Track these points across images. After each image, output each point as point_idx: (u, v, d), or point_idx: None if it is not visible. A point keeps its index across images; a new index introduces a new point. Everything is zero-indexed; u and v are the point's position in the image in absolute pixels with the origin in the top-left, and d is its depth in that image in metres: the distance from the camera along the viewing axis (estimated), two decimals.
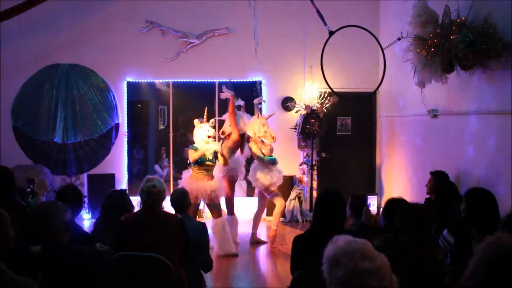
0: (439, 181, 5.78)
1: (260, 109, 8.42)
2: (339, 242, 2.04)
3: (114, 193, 4.59)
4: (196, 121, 7.38)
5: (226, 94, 7.99)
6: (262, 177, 7.55)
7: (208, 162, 7.14)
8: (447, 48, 5.40)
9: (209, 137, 7.18)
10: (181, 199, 4.66)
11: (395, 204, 4.02)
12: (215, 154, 7.25)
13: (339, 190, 3.75)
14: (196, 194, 6.96)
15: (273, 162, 7.62)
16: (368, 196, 4.59)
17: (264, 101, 8.76)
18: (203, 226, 4.63)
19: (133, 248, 3.78)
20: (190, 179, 7.17)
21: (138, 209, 4.16)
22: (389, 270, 2.01)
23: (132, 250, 3.78)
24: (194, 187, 6.93)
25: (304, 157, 9.70)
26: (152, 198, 3.92)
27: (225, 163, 7.60)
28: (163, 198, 4.03)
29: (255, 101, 8.44)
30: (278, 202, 7.66)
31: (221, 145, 7.64)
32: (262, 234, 8.21)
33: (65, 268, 2.92)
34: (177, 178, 10.28)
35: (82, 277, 2.91)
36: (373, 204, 4.51)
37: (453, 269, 3.85)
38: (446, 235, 3.98)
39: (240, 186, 9.66)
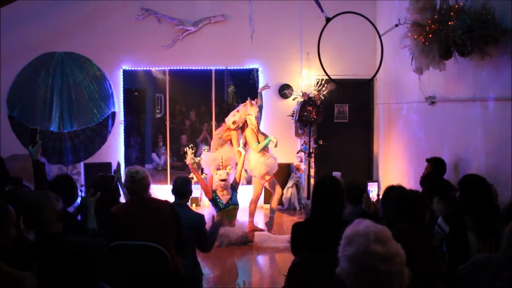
0: (432, 172, 5.75)
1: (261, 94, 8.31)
2: (358, 224, 2.08)
3: (102, 178, 4.56)
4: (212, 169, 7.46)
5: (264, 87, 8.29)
6: (258, 165, 7.51)
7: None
8: (445, 34, 5.35)
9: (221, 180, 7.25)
10: (184, 186, 4.63)
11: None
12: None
13: (335, 177, 3.73)
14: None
15: (266, 144, 7.55)
16: (368, 183, 4.59)
17: (269, 87, 8.59)
18: (201, 217, 4.57)
19: (127, 238, 3.76)
20: None
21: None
22: (403, 260, 2.02)
23: (126, 240, 3.75)
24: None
25: (302, 145, 9.67)
26: (137, 184, 3.89)
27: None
28: (148, 184, 3.99)
29: (260, 89, 8.35)
30: (276, 190, 7.65)
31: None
32: (259, 222, 8.20)
33: (59, 258, 2.90)
34: (174, 166, 10.30)
35: (76, 267, 2.89)
36: (373, 191, 4.50)
37: (449, 257, 3.84)
38: (441, 223, 3.95)
39: None
